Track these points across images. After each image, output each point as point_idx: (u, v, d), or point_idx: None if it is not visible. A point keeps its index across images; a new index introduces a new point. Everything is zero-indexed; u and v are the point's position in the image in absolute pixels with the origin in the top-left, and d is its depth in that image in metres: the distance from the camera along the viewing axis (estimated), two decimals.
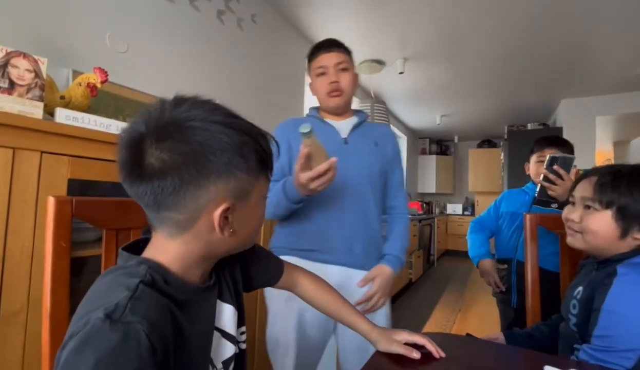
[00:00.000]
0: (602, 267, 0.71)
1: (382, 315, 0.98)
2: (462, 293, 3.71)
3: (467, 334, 1.22)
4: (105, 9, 1.29)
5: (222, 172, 0.39)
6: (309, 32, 2.55)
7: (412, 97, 3.99)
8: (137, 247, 0.45)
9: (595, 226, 0.69)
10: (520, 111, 4.38)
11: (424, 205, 5.48)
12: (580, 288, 0.72)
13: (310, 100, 2.74)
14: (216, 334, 0.49)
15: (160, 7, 1.51)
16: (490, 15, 2.25)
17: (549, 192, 1.09)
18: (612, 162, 3.82)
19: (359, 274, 0.95)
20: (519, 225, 1.36)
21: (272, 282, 0.67)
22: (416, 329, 2.69)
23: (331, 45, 0.98)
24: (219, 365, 0.49)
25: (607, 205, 0.68)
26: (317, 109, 1.06)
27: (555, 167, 1.07)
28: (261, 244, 1.49)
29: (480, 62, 2.98)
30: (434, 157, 6.15)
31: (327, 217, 0.93)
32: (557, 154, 1.10)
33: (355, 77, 1.02)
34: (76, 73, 1.15)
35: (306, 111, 2.64)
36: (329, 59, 0.96)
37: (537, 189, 1.12)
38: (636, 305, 0.59)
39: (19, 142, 0.71)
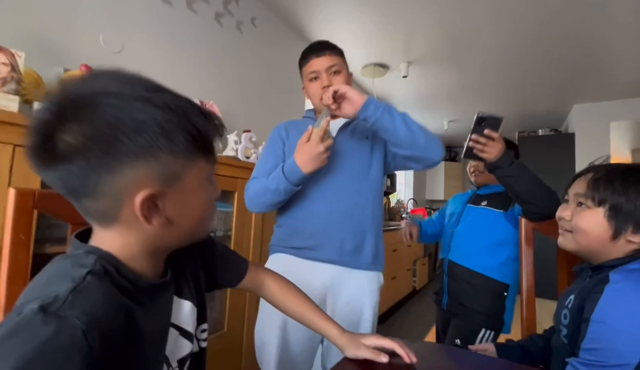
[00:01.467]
0: (595, 273, 0.65)
1: (369, 315, 0.96)
2: None
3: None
4: (100, 10, 1.31)
5: (139, 154, 0.34)
6: (310, 35, 2.55)
7: (418, 102, 3.94)
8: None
9: (586, 224, 0.64)
10: (531, 117, 4.26)
11: (431, 211, 5.38)
12: (572, 296, 0.67)
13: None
14: (173, 332, 0.46)
15: (156, 9, 1.52)
16: (497, 16, 2.19)
17: (482, 155, 0.99)
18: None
19: (349, 273, 0.93)
20: (456, 224, 1.33)
21: (236, 280, 0.64)
22: (418, 337, 2.61)
23: (322, 48, 0.97)
24: (174, 364, 0.46)
25: (600, 203, 0.63)
26: (313, 110, 1.06)
27: (486, 131, 0.97)
28: (260, 243, 1.49)
29: (488, 66, 2.92)
30: (442, 163, 6.04)
31: (316, 216, 0.93)
32: (485, 113, 0.99)
33: (349, 77, 1.00)
34: (68, 72, 1.16)
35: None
36: (320, 63, 0.95)
37: (464, 150, 1.01)
38: (627, 316, 0.53)
39: None
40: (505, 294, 1.21)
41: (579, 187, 0.69)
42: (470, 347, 0.87)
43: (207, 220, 0.46)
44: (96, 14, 1.30)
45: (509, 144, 1.28)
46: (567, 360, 0.63)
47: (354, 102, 0.85)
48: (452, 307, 1.26)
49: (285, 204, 0.96)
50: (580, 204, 0.67)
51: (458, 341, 1.20)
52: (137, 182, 0.36)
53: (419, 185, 5.80)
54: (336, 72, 0.96)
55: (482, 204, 1.28)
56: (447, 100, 3.83)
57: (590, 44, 2.49)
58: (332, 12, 2.24)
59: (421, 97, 3.78)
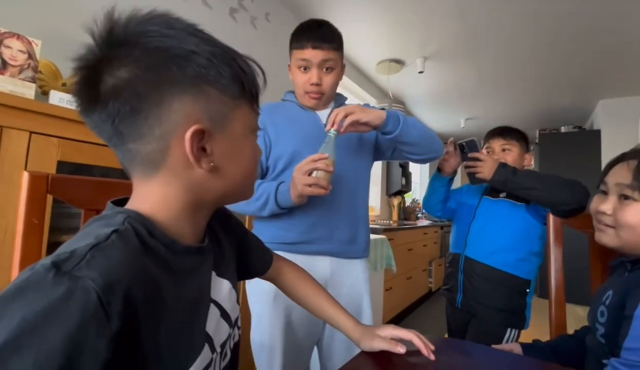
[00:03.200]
0: (637, 267, 0.60)
1: (368, 311, 0.94)
2: None
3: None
4: (117, 4, 1.33)
5: (186, 85, 0.34)
6: None
7: (434, 99, 3.86)
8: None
9: (634, 219, 0.58)
10: (553, 113, 4.10)
11: None
12: (609, 292, 0.61)
13: None
14: (214, 310, 0.43)
15: (171, 3, 1.53)
16: (517, 8, 2.11)
17: (479, 176, 1.09)
18: None
19: (346, 264, 0.92)
20: (472, 218, 1.25)
21: (264, 269, 0.62)
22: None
23: (321, 40, 0.86)
24: (218, 349, 0.43)
25: None
26: (293, 93, 1.00)
27: (470, 154, 1.10)
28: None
29: (507, 60, 2.82)
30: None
31: (312, 207, 0.87)
32: (462, 141, 1.14)
33: (341, 71, 0.94)
34: None
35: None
36: (314, 56, 0.86)
37: (469, 179, 1.14)
38: None
39: (7, 121, 0.71)
40: (528, 290, 1.16)
41: (621, 176, 0.62)
42: (494, 346, 0.82)
43: (252, 176, 0.44)
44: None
45: (519, 133, 1.26)
46: (605, 362, 0.58)
47: (372, 122, 0.80)
48: (469, 305, 1.20)
49: None
50: (624, 196, 0.61)
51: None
52: (186, 118, 0.34)
53: None
54: (329, 69, 0.89)
55: (501, 196, 1.21)
56: (464, 96, 3.73)
57: (616, 35, 2.36)
58: (346, 7, 2.21)
59: (437, 94, 3.70)
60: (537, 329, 1.28)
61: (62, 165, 0.80)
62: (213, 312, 0.42)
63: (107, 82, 0.32)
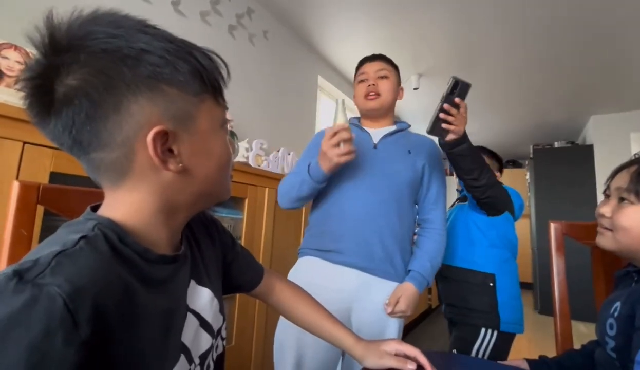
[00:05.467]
0: None
1: (395, 325, 0.91)
2: None
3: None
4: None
5: (142, 86, 0.32)
6: (320, 48, 2.57)
7: (429, 115, 3.90)
8: None
9: (627, 222, 0.58)
10: (546, 129, 4.17)
11: None
12: (617, 304, 0.60)
13: (322, 115, 2.73)
14: (192, 320, 0.41)
15: (170, 20, 1.56)
16: (509, 25, 2.18)
17: (451, 128, 0.84)
18: None
19: (378, 282, 0.90)
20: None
21: (252, 285, 0.60)
22: None
23: (376, 56, 1.02)
24: (197, 360, 0.41)
25: None
26: (358, 118, 1.09)
27: (456, 100, 0.81)
28: (270, 251, 1.44)
29: (500, 77, 2.89)
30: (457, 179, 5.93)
31: (347, 218, 0.90)
32: (459, 77, 0.82)
33: (397, 87, 1.01)
34: None
35: (318, 126, 2.62)
36: (370, 67, 1.00)
37: (431, 124, 0.86)
38: None
39: (1, 131, 0.70)
40: (491, 284, 1.14)
41: (621, 180, 0.63)
42: (501, 362, 0.80)
43: (225, 174, 0.42)
44: None
45: (493, 155, 1.39)
46: None
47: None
48: (449, 312, 1.22)
49: (319, 204, 0.96)
50: (622, 199, 0.62)
51: (455, 351, 1.14)
52: (147, 120, 0.33)
53: None
54: (384, 77, 0.98)
55: (453, 204, 1.33)
56: None
57: (606, 52, 2.43)
58: (342, 26, 2.26)
59: (432, 110, 3.74)
60: (542, 346, 1.25)
61: (55, 176, 0.79)
62: (191, 321, 0.41)
63: (58, 90, 0.31)
